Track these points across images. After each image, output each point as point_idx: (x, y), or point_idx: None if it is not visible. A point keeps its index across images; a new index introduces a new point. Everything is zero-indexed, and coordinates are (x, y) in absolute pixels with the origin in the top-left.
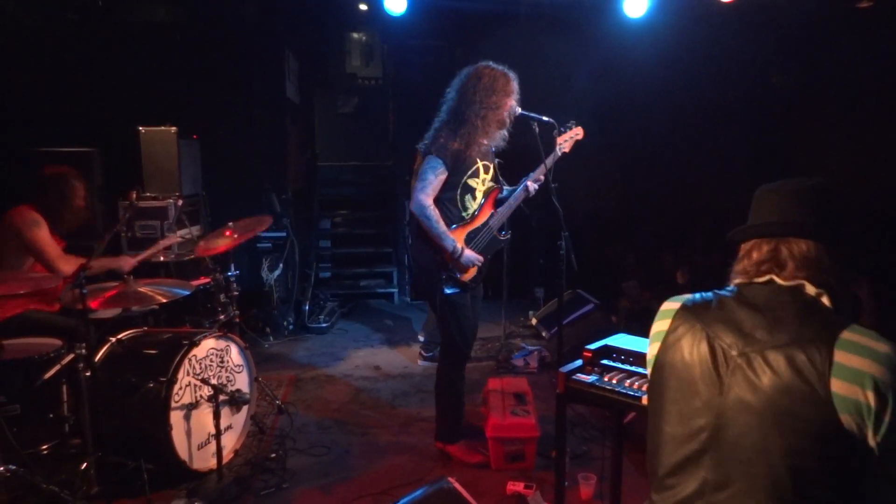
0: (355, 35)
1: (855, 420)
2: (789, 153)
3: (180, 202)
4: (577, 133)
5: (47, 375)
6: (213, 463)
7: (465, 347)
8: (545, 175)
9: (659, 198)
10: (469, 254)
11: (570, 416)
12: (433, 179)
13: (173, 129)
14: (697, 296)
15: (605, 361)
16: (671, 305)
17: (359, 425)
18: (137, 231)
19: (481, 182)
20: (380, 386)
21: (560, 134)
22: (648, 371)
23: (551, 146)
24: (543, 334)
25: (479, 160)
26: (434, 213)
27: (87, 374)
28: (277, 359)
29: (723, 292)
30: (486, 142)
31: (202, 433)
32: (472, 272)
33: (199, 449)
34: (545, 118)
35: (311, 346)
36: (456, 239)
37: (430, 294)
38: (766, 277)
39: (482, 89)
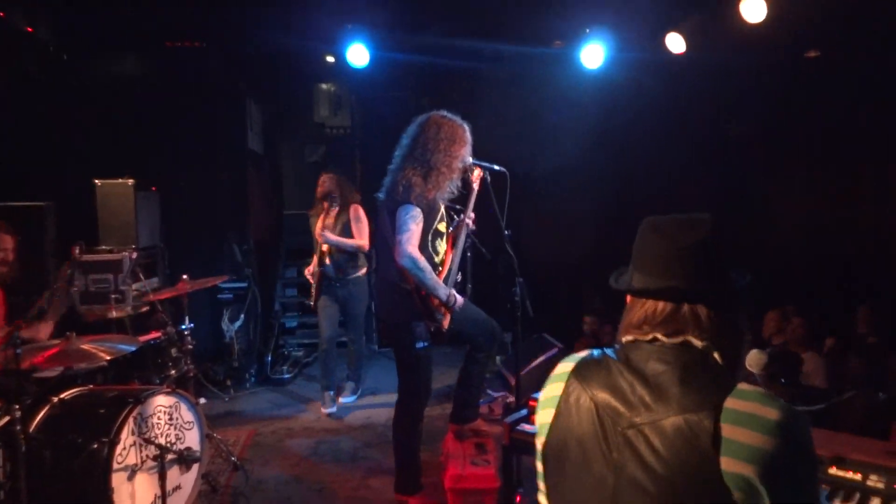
0: (323, 86)
1: (747, 495)
2: (749, 196)
3: (135, 255)
4: (479, 174)
5: None
6: None
7: (426, 398)
8: (501, 224)
9: (624, 242)
10: (460, 299)
11: (532, 464)
12: (415, 228)
13: (130, 181)
14: (588, 355)
15: None
16: (564, 367)
17: (317, 481)
18: (91, 285)
19: (444, 226)
20: (341, 438)
21: (470, 173)
22: (539, 440)
23: (503, 194)
24: (510, 379)
25: (441, 204)
26: (425, 263)
27: (24, 436)
28: (237, 413)
29: (609, 353)
30: (447, 188)
31: (148, 495)
32: (448, 318)
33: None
34: (496, 167)
35: (272, 398)
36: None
37: (404, 347)
38: (651, 336)
39: (444, 139)
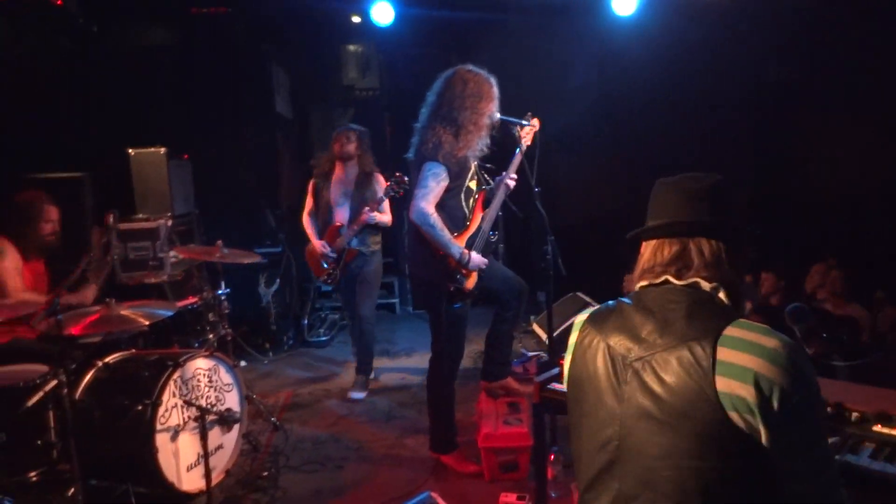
0: (351, 47)
1: (743, 418)
2: (787, 149)
3: (170, 222)
4: (534, 125)
5: (31, 402)
6: (202, 484)
7: (459, 358)
8: (530, 181)
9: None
10: (476, 258)
11: (564, 423)
12: (434, 186)
13: (162, 149)
14: (602, 306)
15: None
16: (579, 318)
17: (354, 440)
18: (130, 253)
19: (476, 184)
20: (376, 399)
21: (521, 128)
22: (565, 384)
23: (533, 149)
24: (544, 338)
25: (473, 162)
26: (437, 220)
27: (72, 399)
28: (275, 375)
29: (624, 299)
30: (477, 146)
31: (191, 454)
32: (474, 278)
33: (188, 471)
34: (525, 122)
35: (309, 360)
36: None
37: (433, 307)
38: (662, 278)
39: (471, 95)
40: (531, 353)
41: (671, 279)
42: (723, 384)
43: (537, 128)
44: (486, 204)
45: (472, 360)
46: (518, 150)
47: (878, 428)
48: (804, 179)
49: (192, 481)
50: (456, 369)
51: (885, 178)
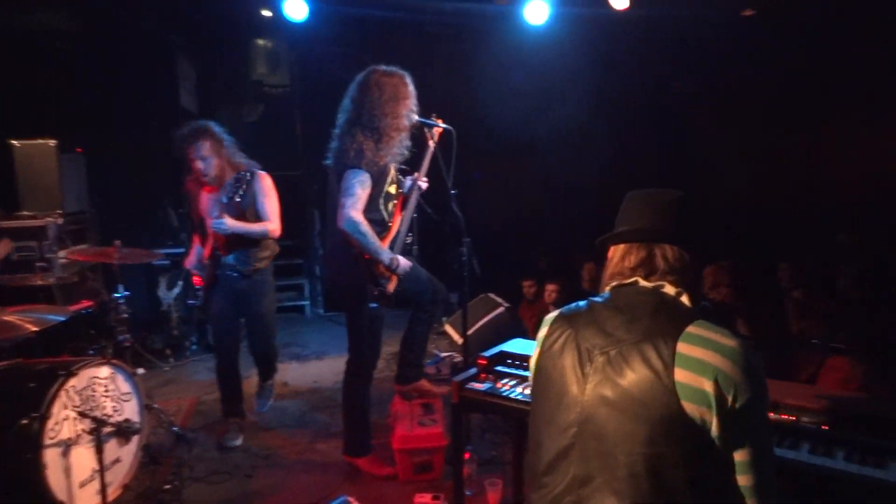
0: (260, 42)
1: (698, 409)
2: (689, 153)
3: (60, 220)
4: (438, 130)
5: None
6: (97, 501)
7: (375, 360)
8: (447, 183)
9: (569, 202)
10: (404, 262)
11: (480, 422)
12: (361, 194)
13: (52, 142)
14: (574, 305)
15: (499, 368)
16: (551, 315)
17: (263, 446)
18: (14, 253)
19: (394, 188)
20: (287, 403)
21: (428, 131)
22: (531, 376)
23: (449, 152)
24: (456, 339)
25: (391, 167)
26: (367, 228)
27: None
28: (178, 382)
29: (596, 298)
30: (396, 150)
31: (85, 470)
32: (396, 281)
33: (80, 487)
34: (442, 124)
35: (214, 365)
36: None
37: (353, 310)
38: (632, 279)
39: (388, 100)
40: (444, 354)
41: (640, 280)
42: (682, 376)
43: (441, 130)
44: (403, 206)
45: (384, 362)
46: (427, 151)
47: (770, 416)
48: (703, 184)
49: (85, 499)
50: (372, 371)
51: (772, 182)
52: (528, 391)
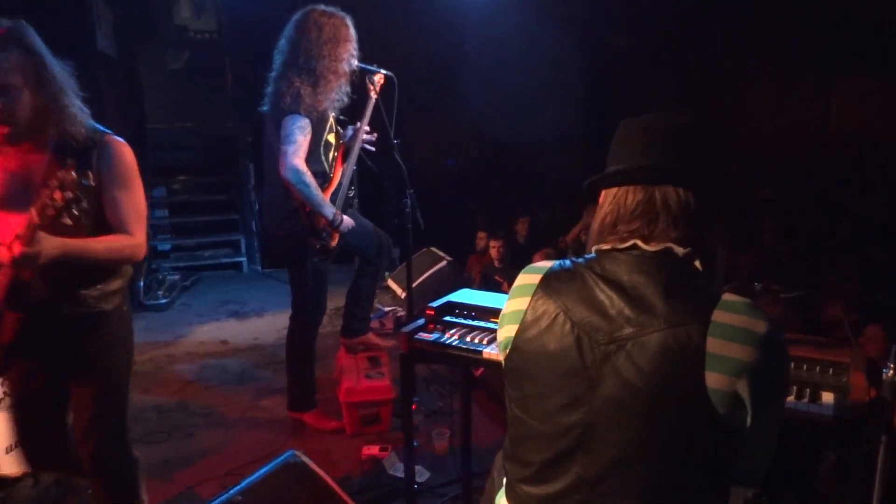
0: None
1: (731, 411)
2: (623, 108)
3: None
4: (378, 79)
5: None
6: (27, 466)
7: (320, 314)
8: (389, 134)
9: (508, 156)
10: (347, 220)
11: (426, 374)
12: (303, 140)
13: None
14: (556, 266)
15: (448, 318)
16: (529, 279)
17: (204, 405)
18: None
19: (335, 137)
20: (227, 361)
21: (369, 81)
22: (502, 353)
23: (391, 100)
24: (399, 293)
25: (330, 114)
26: (311, 179)
27: None
28: None
29: (582, 262)
30: (335, 95)
31: (10, 435)
32: (337, 237)
33: (6, 453)
34: (383, 70)
35: (148, 324)
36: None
37: (296, 263)
38: (630, 243)
39: (327, 41)
40: (387, 309)
41: (640, 244)
42: (714, 380)
43: (383, 81)
44: (345, 157)
45: (327, 318)
46: (369, 99)
47: None
48: None
49: (11, 464)
50: (317, 326)
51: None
52: (476, 340)
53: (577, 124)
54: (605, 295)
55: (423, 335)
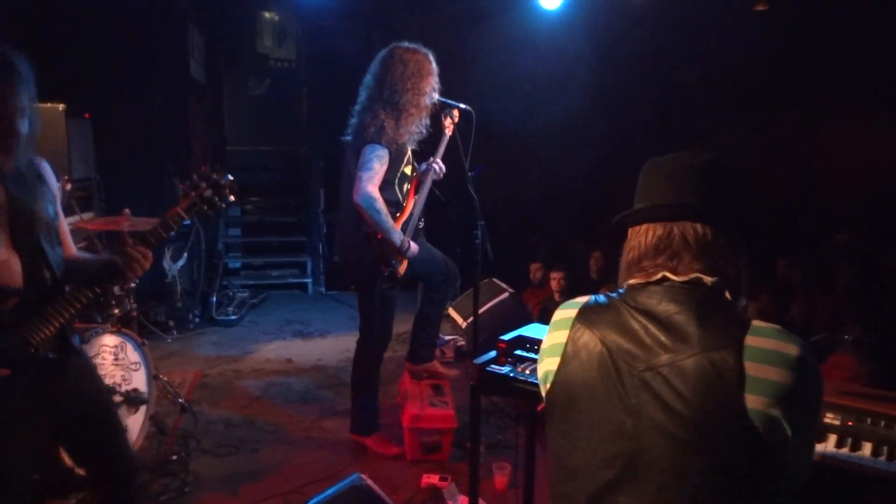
0: (267, 14)
1: (772, 431)
2: (693, 143)
3: (69, 186)
4: (457, 115)
5: None
6: None
7: (387, 339)
8: (464, 165)
9: (573, 188)
10: (414, 247)
11: (485, 406)
12: (379, 169)
13: (61, 105)
14: (592, 300)
15: (518, 352)
16: (567, 314)
17: (269, 422)
18: None
19: (411, 170)
20: (291, 380)
21: (445, 117)
22: (544, 388)
23: (468, 134)
24: (460, 323)
25: (409, 147)
26: (383, 206)
27: None
28: (182, 354)
29: (615, 296)
30: (415, 128)
31: None
32: (406, 264)
33: None
34: (462, 105)
35: (218, 339)
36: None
37: (366, 288)
38: (660, 275)
39: (411, 75)
40: (448, 338)
41: (669, 275)
42: (754, 402)
43: (456, 121)
44: (417, 190)
45: (391, 343)
46: (443, 136)
47: None
48: None
49: None
50: (383, 351)
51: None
52: None
53: (643, 159)
54: (639, 324)
55: (495, 367)
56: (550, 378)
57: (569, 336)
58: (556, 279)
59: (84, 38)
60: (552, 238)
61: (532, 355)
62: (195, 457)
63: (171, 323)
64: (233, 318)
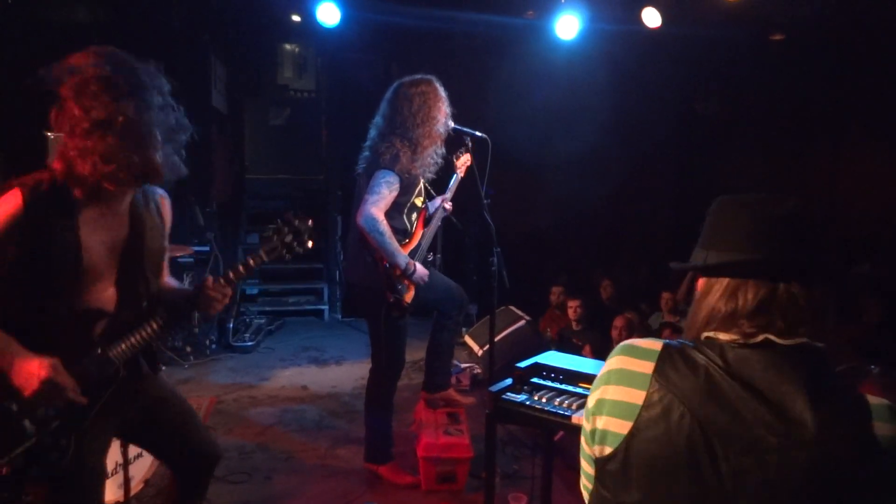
0: (287, 46)
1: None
2: (712, 174)
3: None
4: (466, 160)
5: None
6: (119, 495)
7: (399, 368)
8: (480, 192)
9: (590, 216)
10: (421, 270)
11: (501, 435)
12: (386, 194)
13: None
14: (669, 351)
15: (535, 380)
16: (641, 366)
17: (283, 449)
18: None
19: (420, 200)
20: (306, 407)
21: (456, 158)
22: (598, 448)
23: (483, 161)
24: (476, 351)
25: (421, 178)
26: (386, 228)
27: None
28: (197, 380)
29: (701, 358)
30: (430, 160)
31: (108, 463)
32: (413, 292)
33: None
34: (478, 133)
35: (234, 365)
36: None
37: (373, 315)
38: (762, 337)
39: (420, 108)
40: (464, 365)
41: (772, 338)
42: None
43: (469, 163)
44: (426, 222)
45: (404, 371)
46: (455, 176)
47: None
48: None
49: (108, 492)
50: (396, 380)
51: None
52: (565, 404)
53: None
54: (736, 395)
55: (512, 395)
56: (614, 443)
57: (645, 398)
58: (572, 307)
59: None
60: (570, 266)
61: (549, 383)
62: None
63: (189, 349)
64: (249, 344)
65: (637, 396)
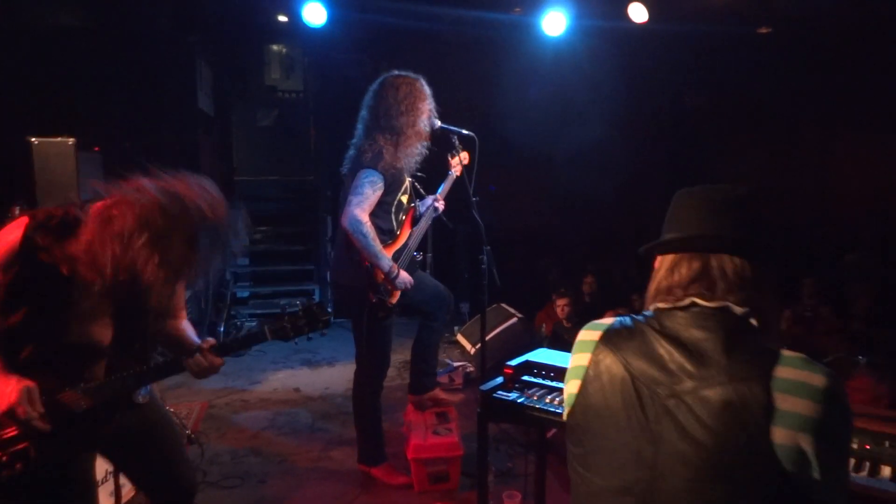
0: (274, 47)
1: (799, 466)
2: (702, 167)
3: None
4: (463, 157)
5: None
6: (111, 502)
7: (384, 369)
8: (468, 191)
9: (582, 213)
10: (404, 276)
11: (495, 433)
12: (370, 194)
13: (71, 140)
14: (617, 322)
15: (526, 377)
16: (590, 335)
17: (276, 453)
18: None
19: (407, 199)
20: (299, 410)
21: (452, 157)
22: (566, 410)
23: (471, 159)
24: (469, 349)
25: (407, 176)
26: (370, 230)
27: None
28: (188, 385)
29: (641, 319)
30: (416, 152)
31: (98, 471)
32: (398, 295)
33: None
34: (465, 131)
35: (225, 369)
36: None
37: (356, 316)
38: (688, 301)
39: (404, 98)
40: (457, 364)
41: (698, 301)
42: (780, 436)
43: (466, 162)
44: (415, 221)
45: (396, 370)
46: (449, 175)
47: None
48: None
49: (100, 499)
50: (381, 380)
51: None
52: (556, 402)
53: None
54: (664, 349)
55: (503, 394)
56: (571, 402)
57: (591, 359)
58: (560, 306)
59: (94, 72)
60: (562, 263)
61: (540, 381)
62: (201, 489)
63: None
64: None
65: (586, 359)
